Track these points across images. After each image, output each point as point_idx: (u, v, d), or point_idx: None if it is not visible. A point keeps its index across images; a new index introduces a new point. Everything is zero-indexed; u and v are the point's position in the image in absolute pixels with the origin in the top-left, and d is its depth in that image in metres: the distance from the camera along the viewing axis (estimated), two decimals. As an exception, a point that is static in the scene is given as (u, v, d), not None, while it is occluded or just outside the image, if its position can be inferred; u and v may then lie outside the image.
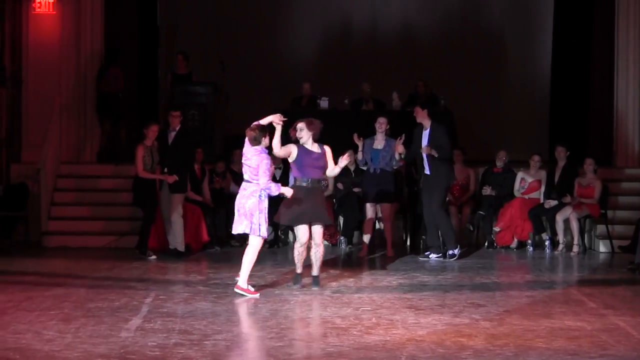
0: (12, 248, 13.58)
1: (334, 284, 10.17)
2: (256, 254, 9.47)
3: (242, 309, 8.83)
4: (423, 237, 13.32)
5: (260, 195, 9.38)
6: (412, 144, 12.46)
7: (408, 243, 13.91)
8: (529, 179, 13.81)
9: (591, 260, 12.98)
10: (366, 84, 16.47)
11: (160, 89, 17.46)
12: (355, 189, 13.66)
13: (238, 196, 9.53)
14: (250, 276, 10.03)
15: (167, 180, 12.45)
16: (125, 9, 16.91)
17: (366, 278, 10.74)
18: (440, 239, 12.48)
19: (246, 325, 8.17)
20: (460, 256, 12.44)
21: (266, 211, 9.46)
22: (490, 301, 9.20)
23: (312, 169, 9.86)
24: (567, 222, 13.29)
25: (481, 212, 13.79)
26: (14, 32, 15.10)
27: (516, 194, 13.84)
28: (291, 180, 11.06)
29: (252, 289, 9.45)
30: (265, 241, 10.35)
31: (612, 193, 14.08)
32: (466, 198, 14.05)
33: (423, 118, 12.30)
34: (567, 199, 13.33)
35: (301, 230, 9.90)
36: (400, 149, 12.30)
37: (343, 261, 12.49)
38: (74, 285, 10.07)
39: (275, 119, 9.72)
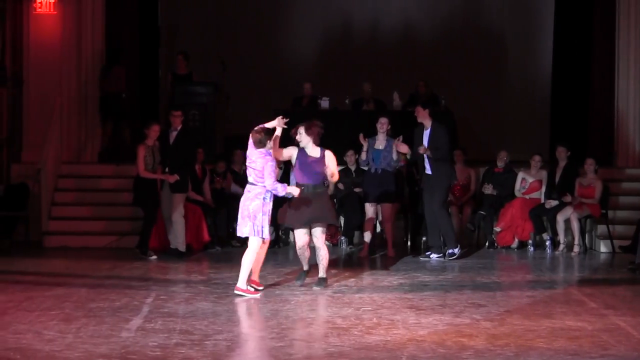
0: (12, 248, 13.58)
1: (334, 284, 10.17)
2: (255, 255, 9.48)
3: (243, 309, 8.83)
4: (424, 237, 13.34)
5: (264, 198, 9.38)
6: (413, 144, 12.46)
7: (409, 243, 13.91)
8: (530, 179, 13.81)
9: (592, 260, 12.98)
10: (367, 84, 16.47)
11: (160, 89, 17.46)
12: (356, 189, 13.67)
13: (242, 198, 9.53)
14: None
15: (168, 180, 12.45)
16: (126, 9, 16.91)
17: (367, 278, 10.74)
18: (441, 239, 12.48)
19: (247, 325, 8.18)
20: (461, 256, 12.45)
21: (270, 213, 9.46)
22: (491, 301, 9.20)
23: (309, 174, 9.83)
24: (567, 222, 13.30)
25: (482, 212, 13.79)
26: (15, 32, 15.10)
27: (517, 194, 13.84)
28: (292, 181, 11.08)
29: (252, 289, 9.45)
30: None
31: (613, 193, 14.08)
32: (467, 198, 14.05)
33: (424, 118, 12.30)
34: (568, 198, 13.33)
35: (297, 234, 9.96)
36: (404, 149, 12.29)
37: (344, 261, 12.49)
38: (74, 285, 10.07)
39: (281, 123, 9.74)
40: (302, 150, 9.93)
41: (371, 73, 17.76)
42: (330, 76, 18.21)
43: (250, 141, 9.49)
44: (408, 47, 18.90)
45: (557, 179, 13.69)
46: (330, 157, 9.92)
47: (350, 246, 13.70)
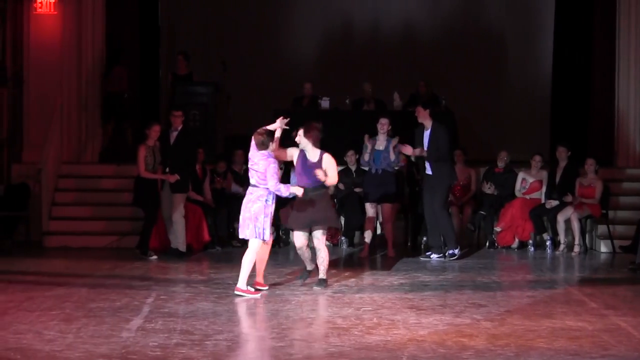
0: (13, 248, 13.58)
1: (335, 284, 10.17)
2: (255, 255, 9.48)
3: (244, 309, 8.83)
4: (424, 237, 13.34)
5: (267, 200, 9.38)
6: (414, 144, 12.46)
7: (409, 243, 13.92)
8: (530, 179, 13.81)
9: (592, 260, 12.98)
10: (367, 84, 16.46)
11: (161, 90, 17.47)
12: (357, 189, 13.67)
13: (244, 200, 9.53)
14: (251, 276, 10.07)
15: (168, 180, 12.45)
16: (126, 9, 16.91)
17: (367, 278, 10.74)
18: (442, 239, 12.48)
19: (247, 325, 8.18)
20: (462, 256, 12.45)
21: (272, 215, 9.46)
22: (491, 301, 9.20)
23: (308, 176, 9.82)
24: (568, 222, 13.30)
25: (482, 212, 13.80)
26: (15, 33, 15.11)
27: (517, 194, 13.84)
28: (292, 181, 11.08)
29: (252, 290, 9.45)
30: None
31: (613, 193, 14.08)
32: (467, 198, 14.05)
33: (425, 118, 12.30)
34: (569, 198, 13.33)
35: (296, 235, 10.01)
36: (408, 150, 12.28)
37: (344, 261, 12.48)
38: (75, 285, 10.07)
39: (282, 124, 9.75)
40: (302, 152, 9.93)
41: (372, 73, 17.76)
42: (330, 76, 18.21)
43: (253, 143, 9.49)
44: (408, 47, 18.91)
45: (557, 179, 13.69)
46: (327, 161, 9.85)
47: (351, 246, 13.71)
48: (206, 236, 13.22)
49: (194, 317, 8.26)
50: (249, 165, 9.54)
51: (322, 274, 9.97)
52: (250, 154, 9.54)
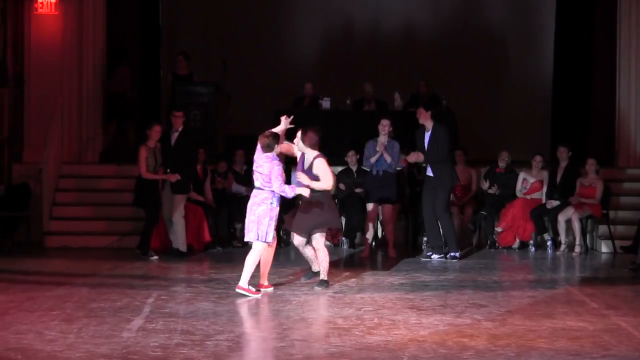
0: (13, 248, 13.58)
1: (336, 284, 10.16)
2: (258, 257, 9.48)
3: (244, 309, 8.83)
4: (425, 237, 13.34)
5: (271, 202, 9.37)
6: (415, 146, 12.47)
7: (410, 244, 13.92)
8: (531, 179, 13.81)
9: (593, 260, 12.98)
10: (368, 84, 16.46)
11: (162, 90, 17.47)
12: (358, 190, 13.67)
13: (249, 203, 9.51)
14: (253, 276, 10.07)
15: (170, 179, 12.43)
16: (127, 9, 16.92)
17: (368, 278, 10.74)
18: (442, 239, 12.48)
19: (248, 325, 8.18)
20: (462, 256, 12.46)
21: (276, 218, 9.46)
22: (492, 301, 9.20)
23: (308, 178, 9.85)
24: (569, 222, 13.30)
25: (483, 212, 13.80)
26: (16, 33, 15.10)
27: (518, 194, 13.84)
28: (292, 180, 11.08)
29: (253, 289, 9.46)
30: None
31: (614, 193, 14.08)
32: (468, 198, 14.05)
33: (426, 119, 12.29)
34: (573, 199, 13.35)
35: (293, 236, 10.06)
36: (413, 157, 12.28)
37: (345, 261, 12.48)
38: (75, 285, 10.07)
39: (286, 123, 9.80)
40: (302, 155, 9.96)
41: (372, 73, 17.77)
42: (331, 76, 18.22)
43: (259, 145, 9.48)
44: (409, 48, 18.91)
45: (558, 179, 13.69)
46: (317, 166, 9.80)
47: (352, 247, 13.71)
48: (207, 236, 13.22)
49: (194, 317, 8.26)
50: (254, 168, 9.52)
51: (322, 275, 9.97)
52: (255, 157, 9.52)
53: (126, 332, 7.60)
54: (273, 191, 9.36)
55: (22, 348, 7.01)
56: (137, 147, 12.95)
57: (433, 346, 7.18)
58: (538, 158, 13.90)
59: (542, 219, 13.56)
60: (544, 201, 13.66)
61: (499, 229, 13.61)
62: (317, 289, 9.83)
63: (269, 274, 9.82)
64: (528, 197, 13.76)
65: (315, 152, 9.89)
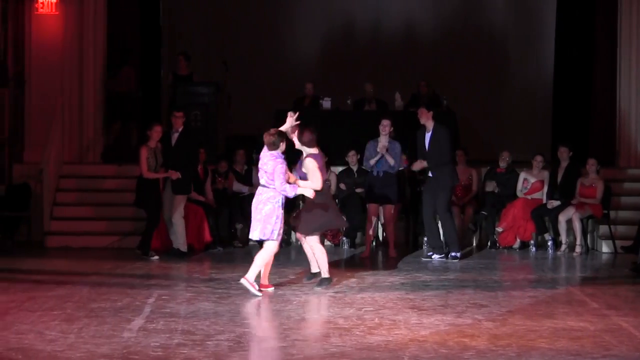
0: (14, 248, 13.58)
1: (336, 284, 10.16)
2: (270, 256, 9.53)
3: (245, 309, 8.82)
4: (425, 237, 13.34)
5: (277, 201, 9.38)
6: (415, 146, 12.47)
7: (410, 244, 13.92)
8: (532, 180, 13.81)
9: (594, 260, 12.98)
10: (369, 84, 16.46)
11: (162, 90, 17.48)
12: (358, 190, 13.67)
13: (254, 201, 9.53)
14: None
15: (171, 176, 12.41)
16: (128, 9, 16.93)
17: (369, 278, 10.73)
18: (443, 239, 12.48)
19: (249, 325, 8.17)
20: (463, 256, 12.45)
21: (282, 216, 9.46)
22: (492, 301, 9.20)
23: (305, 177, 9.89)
24: (569, 222, 13.30)
25: (484, 213, 13.80)
26: (17, 33, 15.11)
27: (519, 194, 13.84)
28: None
29: (257, 287, 9.47)
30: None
31: (615, 193, 14.08)
32: (469, 198, 14.05)
33: (427, 119, 12.28)
34: (575, 201, 13.37)
35: (300, 238, 10.14)
36: (418, 166, 12.28)
37: (346, 261, 12.48)
38: (76, 285, 10.07)
39: (292, 121, 9.86)
40: (301, 153, 10.00)
41: (373, 73, 17.77)
42: (332, 76, 18.22)
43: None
44: (410, 48, 18.92)
45: (559, 179, 13.69)
46: (306, 165, 9.80)
47: (352, 247, 13.71)
48: (207, 236, 13.22)
49: (195, 317, 8.25)
50: (259, 165, 9.56)
51: (324, 273, 9.96)
52: (261, 154, 9.56)
53: (127, 332, 7.60)
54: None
55: (23, 348, 7.01)
56: (138, 147, 12.95)
57: (434, 346, 7.18)
58: (539, 158, 13.90)
59: (543, 219, 13.55)
60: (544, 201, 13.66)
61: (499, 229, 13.61)
62: (318, 288, 9.82)
63: (269, 274, 9.82)
64: (529, 197, 13.76)
65: (312, 151, 9.91)
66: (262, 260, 9.47)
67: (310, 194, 9.55)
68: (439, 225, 12.53)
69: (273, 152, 9.43)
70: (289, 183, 9.44)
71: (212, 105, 15.43)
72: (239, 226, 13.95)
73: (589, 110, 17.09)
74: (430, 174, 12.37)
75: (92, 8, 15.26)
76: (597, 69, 16.82)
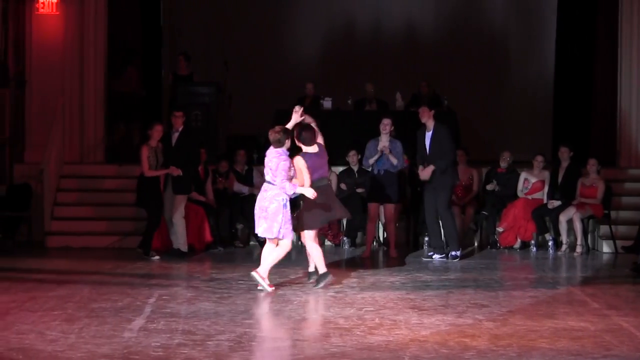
0: (15, 248, 13.59)
1: (337, 284, 10.16)
2: (284, 254, 9.61)
3: (245, 309, 8.82)
4: (426, 237, 13.35)
5: (283, 199, 9.41)
6: (416, 146, 12.47)
7: (411, 243, 13.92)
8: (532, 180, 13.81)
9: (594, 260, 12.98)
10: (369, 84, 16.47)
11: (163, 90, 17.49)
12: (359, 190, 13.67)
13: (259, 197, 9.56)
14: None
15: (172, 172, 12.39)
16: (129, 9, 16.94)
17: (369, 278, 10.73)
18: (443, 239, 12.48)
19: (249, 325, 8.16)
20: (464, 256, 12.45)
21: (289, 214, 9.48)
22: (493, 301, 9.19)
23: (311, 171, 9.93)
24: (570, 222, 13.30)
25: (484, 213, 13.80)
26: (18, 33, 15.12)
27: (519, 194, 13.84)
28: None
29: (268, 282, 9.50)
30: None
31: (616, 193, 14.08)
32: (469, 198, 14.04)
33: (429, 119, 12.28)
34: (576, 201, 13.38)
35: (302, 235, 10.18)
36: (425, 174, 12.25)
37: (346, 261, 12.48)
38: (77, 285, 10.08)
39: (298, 117, 9.96)
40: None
41: (374, 73, 17.77)
42: (332, 76, 18.23)
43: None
44: (410, 48, 18.92)
45: (559, 180, 13.69)
46: (295, 162, 9.79)
47: (353, 247, 13.71)
48: (208, 236, 13.23)
49: (196, 317, 8.25)
50: (265, 162, 9.59)
51: (320, 269, 9.94)
52: (267, 151, 9.59)
53: (127, 332, 7.60)
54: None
55: (24, 348, 7.01)
56: (139, 147, 12.96)
57: (434, 346, 7.18)
58: (539, 158, 13.90)
59: (544, 219, 13.55)
60: (545, 201, 13.66)
61: (500, 229, 13.61)
62: (318, 286, 9.81)
63: (270, 274, 9.82)
64: (529, 197, 13.76)
65: (309, 149, 9.94)
66: (276, 257, 9.57)
67: (310, 194, 9.55)
68: (441, 225, 12.52)
69: (278, 149, 9.47)
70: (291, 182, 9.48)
71: (212, 105, 15.43)
72: (239, 226, 13.96)
73: (589, 110, 17.09)
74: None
75: (92, 8, 15.27)
76: (598, 69, 16.83)
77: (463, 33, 18.87)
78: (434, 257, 12.39)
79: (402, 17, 19.10)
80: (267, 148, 9.73)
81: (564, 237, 13.37)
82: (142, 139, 14.58)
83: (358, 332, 7.66)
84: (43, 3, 15.18)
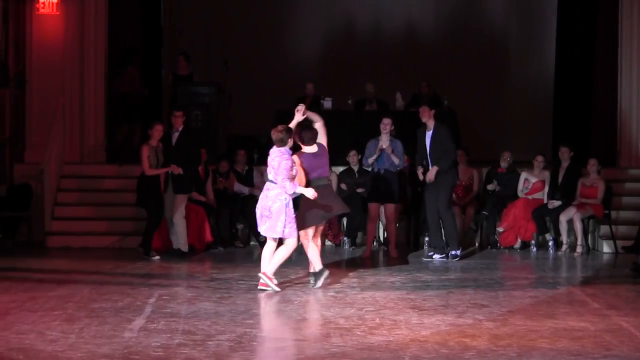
0: (15, 248, 13.59)
1: (337, 284, 10.16)
2: (290, 252, 9.61)
3: (246, 309, 8.82)
4: (427, 237, 13.35)
5: (285, 198, 9.42)
6: (416, 145, 12.47)
7: (411, 244, 13.92)
8: (533, 180, 13.81)
9: (594, 260, 12.97)
10: (370, 84, 16.47)
11: (164, 90, 17.49)
12: (359, 190, 13.67)
13: (261, 196, 9.57)
14: (253, 276, 10.08)
15: (173, 171, 12.38)
16: (129, 9, 16.93)
17: (369, 278, 10.73)
18: (444, 239, 12.48)
19: (250, 325, 8.16)
20: (464, 256, 12.45)
21: (292, 212, 9.49)
22: (493, 301, 9.19)
23: (311, 170, 9.96)
24: (570, 222, 13.29)
25: (485, 213, 13.80)
26: (18, 33, 15.11)
27: (520, 194, 13.83)
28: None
29: (276, 281, 9.54)
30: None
31: (616, 193, 14.08)
32: (469, 198, 14.04)
33: (429, 118, 12.28)
34: (576, 201, 13.38)
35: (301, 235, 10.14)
36: (431, 174, 12.23)
37: (347, 261, 12.48)
38: (77, 285, 10.08)
39: (299, 116, 9.96)
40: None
41: (374, 73, 17.77)
42: (332, 76, 18.23)
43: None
44: (411, 48, 18.93)
45: (559, 180, 13.69)
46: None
47: (353, 247, 13.71)
48: (208, 236, 13.23)
49: (196, 317, 8.26)
50: (268, 161, 9.60)
51: (316, 267, 9.93)
52: (270, 150, 9.60)
53: (128, 332, 7.60)
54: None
55: (24, 348, 7.01)
56: (140, 146, 12.96)
57: (435, 346, 7.18)
58: (540, 158, 13.90)
59: (544, 219, 13.55)
60: (545, 201, 13.66)
61: (500, 229, 13.61)
62: (317, 284, 9.81)
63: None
64: (530, 197, 13.76)
65: (308, 149, 9.97)
66: (283, 256, 9.60)
67: (310, 194, 9.55)
68: (442, 223, 12.51)
69: (281, 148, 9.48)
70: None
71: (212, 105, 15.43)
72: (239, 226, 13.96)
73: (590, 110, 17.09)
74: (431, 173, 12.37)
75: (93, 8, 15.26)
76: (598, 69, 16.82)
77: (463, 33, 18.88)
78: (434, 257, 12.39)
79: (402, 17, 19.10)
80: (269, 147, 9.73)
81: (564, 237, 13.37)
82: (143, 138, 14.59)
83: (358, 332, 7.66)
84: (43, 3, 15.18)
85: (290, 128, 9.69)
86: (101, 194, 14.67)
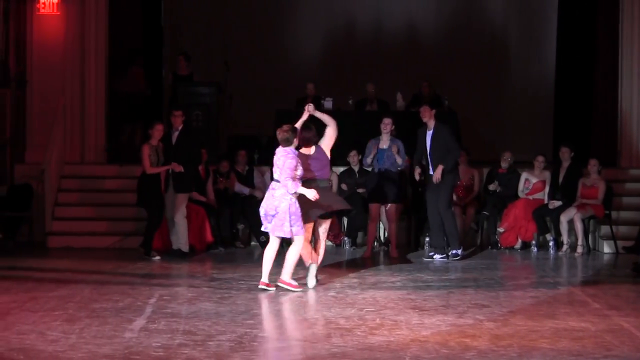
0: (16, 248, 13.59)
1: (337, 284, 10.16)
2: (299, 251, 9.59)
3: (246, 309, 8.82)
4: (427, 237, 13.35)
5: (290, 198, 9.42)
6: (417, 144, 12.47)
7: (412, 244, 13.92)
8: (533, 180, 13.81)
9: (595, 261, 12.97)
10: (370, 84, 16.47)
11: (164, 90, 17.49)
12: (359, 190, 13.67)
13: (267, 195, 9.57)
14: (253, 276, 10.08)
15: (174, 169, 12.38)
16: (130, 9, 16.93)
17: (370, 278, 10.73)
18: (445, 239, 12.48)
19: (250, 325, 8.16)
20: (464, 257, 12.46)
21: (299, 212, 9.49)
22: (494, 302, 9.19)
23: (310, 171, 9.97)
24: (571, 222, 13.29)
25: (485, 213, 13.80)
26: (19, 33, 15.12)
27: (520, 194, 13.83)
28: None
29: (295, 283, 9.57)
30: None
31: (616, 194, 14.08)
32: (470, 199, 14.04)
33: (430, 118, 12.29)
34: (577, 202, 13.38)
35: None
36: (437, 175, 12.23)
37: (347, 262, 12.48)
38: (78, 285, 10.08)
39: (306, 115, 10.00)
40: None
41: (374, 73, 17.77)
42: (333, 77, 18.23)
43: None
44: (411, 48, 18.92)
45: (560, 180, 13.69)
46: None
47: (354, 247, 13.71)
48: (209, 237, 13.22)
49: (196, 317, 8.26)
50: (274, 161, 9.62)
51: (306, 263, 9.95)
52: (276, 150, 9.63)
53: (128, 332, 7.60)
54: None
55: (25, 348, 7.01)
56: (140, 146, 12.97)
57: (435, 346, 7.18)
58: (540, 158, 13.90)
59: (545, 219, 13.55)
60: (546, 201, 13.66)
61: (501, 229, 13.61)
62: (312, 285, 9.82)
63: (270, 274, 9.82)
64: (530, 197, 13.76)
65: (305, 150, 9.97)
66: (294, 258, 9.58)
67: (311, 195, 9.56)
68: (443, 222, 12.51)
69: (286, 148, 9.50)
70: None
71: (213, 105, 15.43)
72: (240, 226, 13.96)
73: (590, 110, 17.08)
74: (431, 173, 12.35)
75: (93, 8, 15.27)
76: (599, 69, 16.82)
77: (464, 33, 18.87)
78: (434, 257, 12.39)
79: (402, 17, 19.09)
80: (270, 147, 9.75)
81: (564, 238, 13.37)
82: (143, 138, 14.60)
83: (359, 333, 7.66)
84: (44, 3, 15.18)
85: (295, 128, 9.71)
86: (102, 194, 14.68)
